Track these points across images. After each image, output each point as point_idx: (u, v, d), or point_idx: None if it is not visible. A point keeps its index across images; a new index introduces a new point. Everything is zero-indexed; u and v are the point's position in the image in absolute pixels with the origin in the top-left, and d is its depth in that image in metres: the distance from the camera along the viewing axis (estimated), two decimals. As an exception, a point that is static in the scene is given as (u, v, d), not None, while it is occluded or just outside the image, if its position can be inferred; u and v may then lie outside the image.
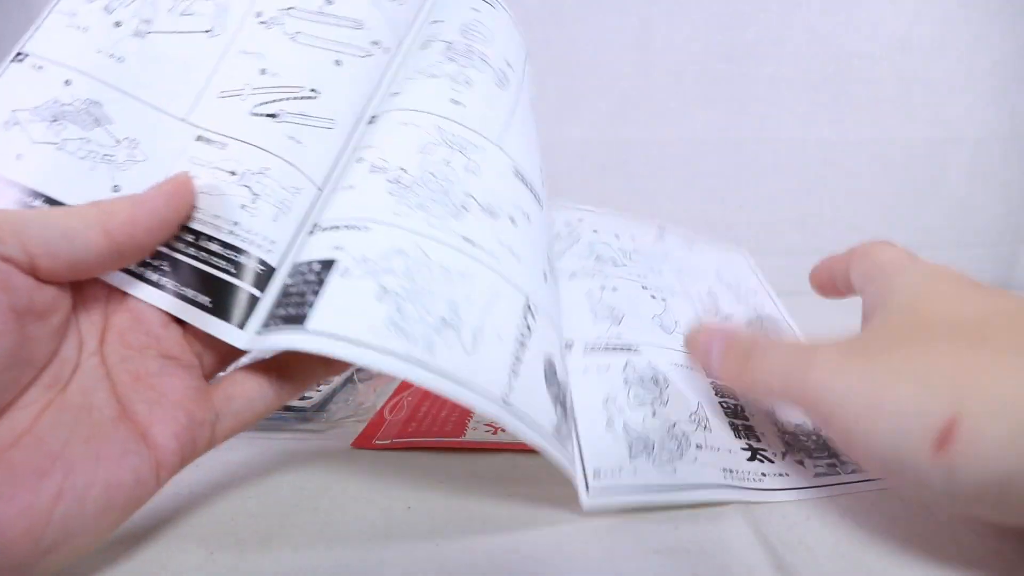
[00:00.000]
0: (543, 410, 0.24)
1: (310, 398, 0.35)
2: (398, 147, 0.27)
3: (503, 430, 0.32)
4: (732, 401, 0.30)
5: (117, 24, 0.26)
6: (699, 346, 0.29)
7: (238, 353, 0.24)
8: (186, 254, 0.24)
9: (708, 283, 0.39)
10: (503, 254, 0.25)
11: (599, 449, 0.26)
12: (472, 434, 0.31)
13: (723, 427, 0.29)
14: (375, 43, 0.29)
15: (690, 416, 0.28)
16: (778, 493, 0.26)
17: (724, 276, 0.41)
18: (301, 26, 0.28)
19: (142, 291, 0.23)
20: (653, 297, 0.35)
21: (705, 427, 0.28)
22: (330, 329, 0.21)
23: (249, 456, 0.30)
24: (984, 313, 0.20)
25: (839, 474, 0.27)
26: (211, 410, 0.23)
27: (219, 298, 0.24)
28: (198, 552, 0.22)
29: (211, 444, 0.23)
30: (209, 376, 0.24)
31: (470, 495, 0.26)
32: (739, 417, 0.30)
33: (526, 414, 0.22)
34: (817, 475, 0.27)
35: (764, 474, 0.27)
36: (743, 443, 0.28)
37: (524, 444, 0.30)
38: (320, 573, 0.22)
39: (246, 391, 0.24)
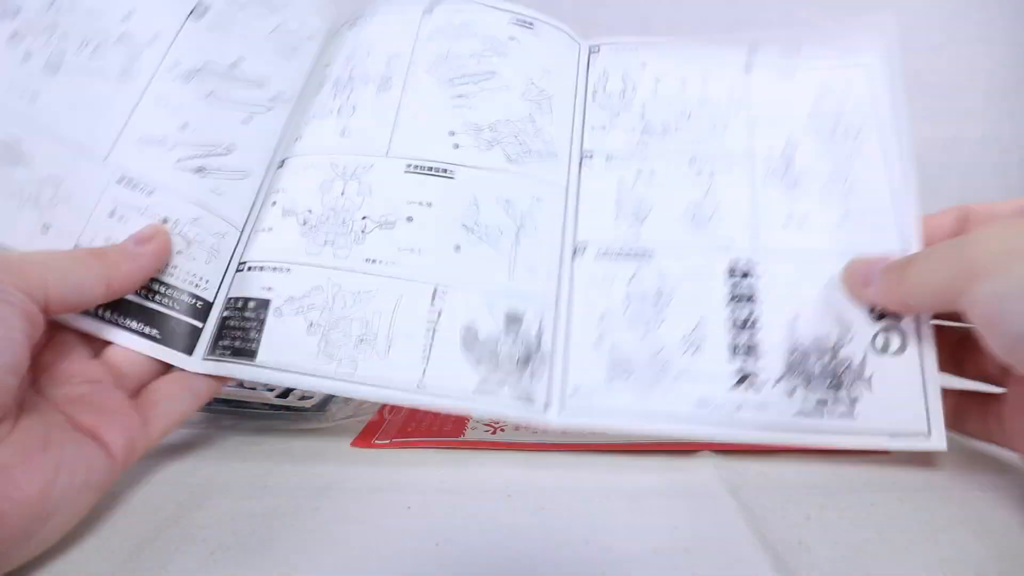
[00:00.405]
0: (460, 378, 0.27)
1: (310, 398, 0.35)
2: (303, 189, 0.31)
3: (502, 430, 0.32)
4: (747, 310, 0.29)
5: (27, 56, 0.27)
6: (856, 277, 0.28)
7: (156, 372, 0.28)
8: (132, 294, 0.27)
9: (791, 128, 0.32)
10: (402, 259, 0.29)
11: (581, 368, 0.28)
12: (471, 434, 0.32)
13: (718, 346, 0.28)
14: (275, 98, 0.33)
15: (683, 338, 0.28)
16: (748, 431, 0.26)
17: (823, 107, 0.32)
18: (214, 85, 0.31)
19: (93, 326, 0.26)
20: (699, 174, 0.32)
21: (697, 349, 0.28)
22: (275, 363, 0.27)
23: (249, 456, 0.30)
24: None
25: (822, 417, 0.26)
26: (141, 415, 0.26)
27: (166, 331, 0.28)
28: (198, 552, 0.22)
29: (148, 444, 0.26)
30: (133, 393, 0.27)
31: (470, 495, 0.26)
32: (746, 329, 0.28)
33: (441, 389, 0.27)
34: (799, 413, 0.27)
35: (742, 405, 0.27)
36: (735, 365, 0.28)
37: (522, 444, 0.31)
38: (320, 573, 0.22)
39: (169, 395, 0.27)
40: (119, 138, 0.28)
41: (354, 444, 0.31)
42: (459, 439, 0.31)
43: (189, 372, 0.28)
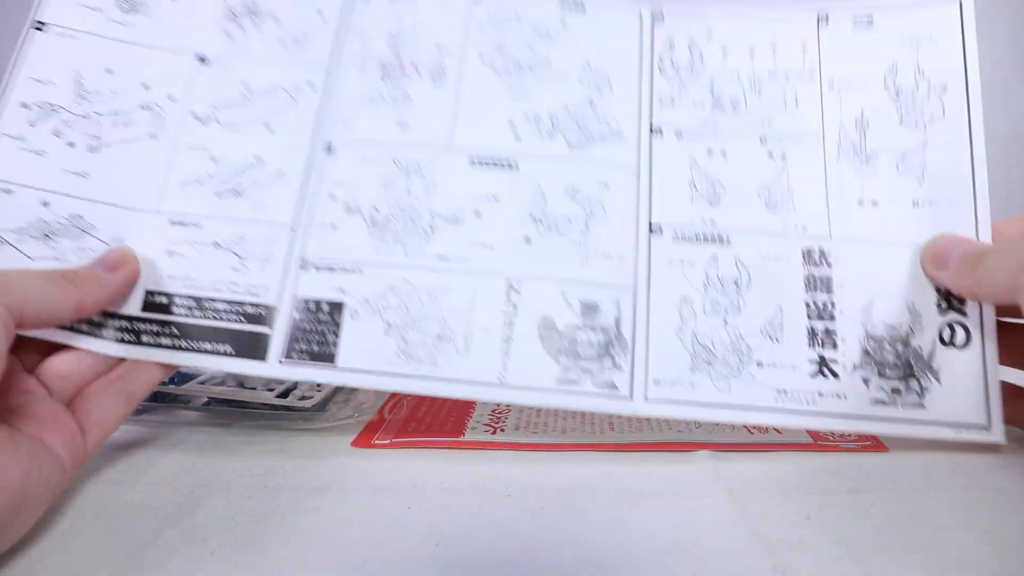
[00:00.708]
0: (541, 369, 0.28)
1: (310, 398, 0.35)
2: (365, 186, 0.31)
3: (502, 430, 0.32)
4: (823, 297, 0.29)
5: (71, 145, 0.30)
6: (935, 257, 0.28)
7: (87, 379, 0.28)
8: (194, 316, 0.29)
9: (866, 97, 0.32)
10: (474, 253, 0.30)
11: (663, 356, 0.28)
12: (471, 434, 0.32)
13: (797, 334, 0.29)
14: (294, 88, 0.33)
15: (763, 326, 0.29)
16: (827, 420, 0.27)
17: (902, 68, 0.32)
18: (231, 114, 0.32)
19: (166, 356, 0.28)
20: (770, 155, 0.31)
21: (775, 339, 0.29)
22: (356, 365, 0.28)
23: (249, 456, 0.30)
24: None
25: (896, 406, 0.28)
26: (76, 425, 0.26)
27: (237, 344, 0.29)
28: (198, 552, 0.22)
29: (87, 453, 0.26)
30: (67, 401, 0.27)
31: (470, 495, 0.26)
32: (824, 318, 0.29)
33: (523, 382, 0.27)
34: (875, 402, 0.28)
35: (820, 394, 0.28)
36: (814, 353, 0.29)
37: (523, 444, 0.31)
38: (320, 573, 0.22)
39: (100, 404, 0.27)
40: (163, 189, 0.31)
41: (354, 444, 0.31)
42: (459, 439, 0.31)
43: (115, 377, 0.28)
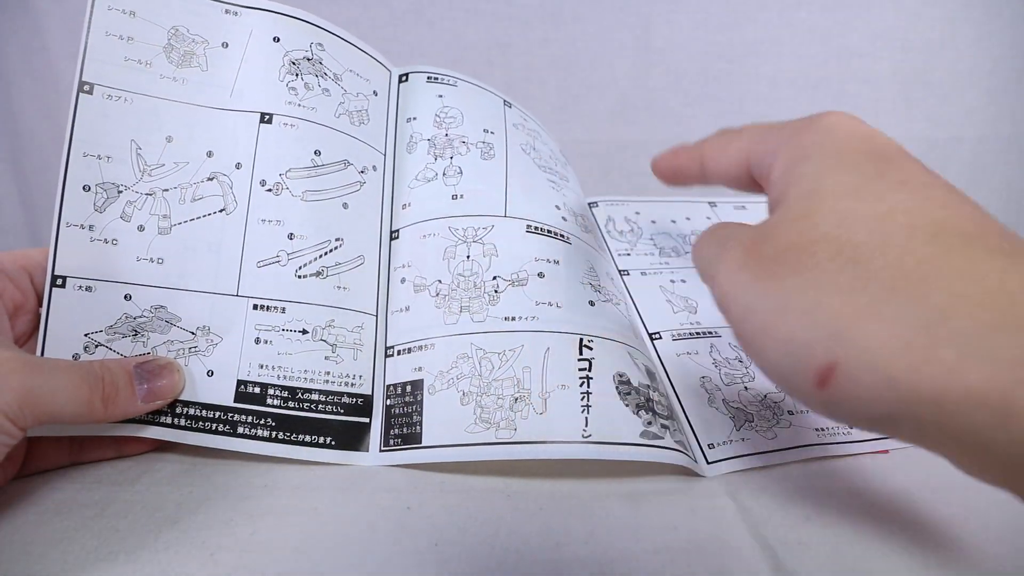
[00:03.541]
0: (624, 423, 0.27)
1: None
2: (427, 261, 0.31)
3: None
4: None
5: (141, 228, 0.28)
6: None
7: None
8: (289, 408, 0.28)
9: None
10: (542, 311, 0.29)
11: (708, 424, 0.30)
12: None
13: None
14: (363, 171, 0.33)
15: (777, 387, 0.32)
16: (863, 444, 0.30)
17: None
18: (304, 184, 0.31)
19: (267, 448, 0.27)
20: None
21: None
22: (438, 441, 0.27)
23: (248, 456, 0.30)
24: (872, 236, 0.18)
25: None
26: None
27: (337, 435, 0.29)
28: (198, 553, 0.22)
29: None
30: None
31: (470, 495, 0.26)
32: None
33: (607, 436, 0.26)
34: None
35: (850, 428, 0.30)
36: None
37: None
38: (320, 573, 0.22)
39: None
40: (241, 270, 0.29)
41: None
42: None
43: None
